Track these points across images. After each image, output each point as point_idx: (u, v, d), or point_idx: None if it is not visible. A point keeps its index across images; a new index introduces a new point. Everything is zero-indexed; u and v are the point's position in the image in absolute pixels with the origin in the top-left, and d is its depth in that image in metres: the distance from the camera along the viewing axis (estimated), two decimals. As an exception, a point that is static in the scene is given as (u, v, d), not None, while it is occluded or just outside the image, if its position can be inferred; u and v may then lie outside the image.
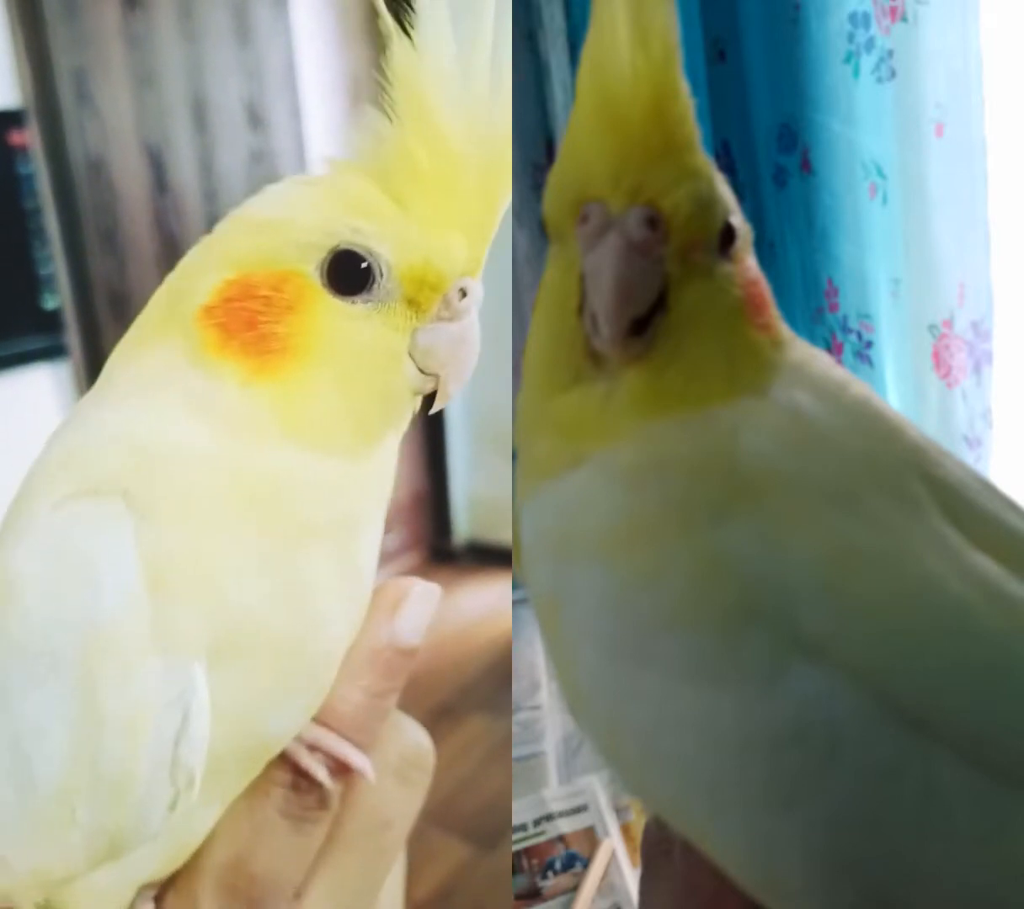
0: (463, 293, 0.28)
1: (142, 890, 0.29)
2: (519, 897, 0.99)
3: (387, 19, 0.26)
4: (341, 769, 0.29)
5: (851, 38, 0.84)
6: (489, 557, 2.21)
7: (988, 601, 0.24)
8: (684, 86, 0.26)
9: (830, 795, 0.24)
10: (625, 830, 1.03)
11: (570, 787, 1.05)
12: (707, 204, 0.26)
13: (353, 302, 0.27)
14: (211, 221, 0.29)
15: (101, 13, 1.69)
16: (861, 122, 0.85)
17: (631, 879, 1.00)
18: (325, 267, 0.27)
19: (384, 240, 0.27)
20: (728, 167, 0.95)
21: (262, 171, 1.85)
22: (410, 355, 0.28)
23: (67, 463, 0.27)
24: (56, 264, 1.69)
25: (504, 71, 0.27)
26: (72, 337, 1.73)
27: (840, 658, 0.24)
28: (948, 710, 0.24)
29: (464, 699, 1.72)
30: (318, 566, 0.27)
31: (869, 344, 0.91)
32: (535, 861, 1.01)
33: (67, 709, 0.25)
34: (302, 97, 1.92)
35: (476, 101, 0.27)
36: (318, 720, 0.29)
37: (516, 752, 1.04)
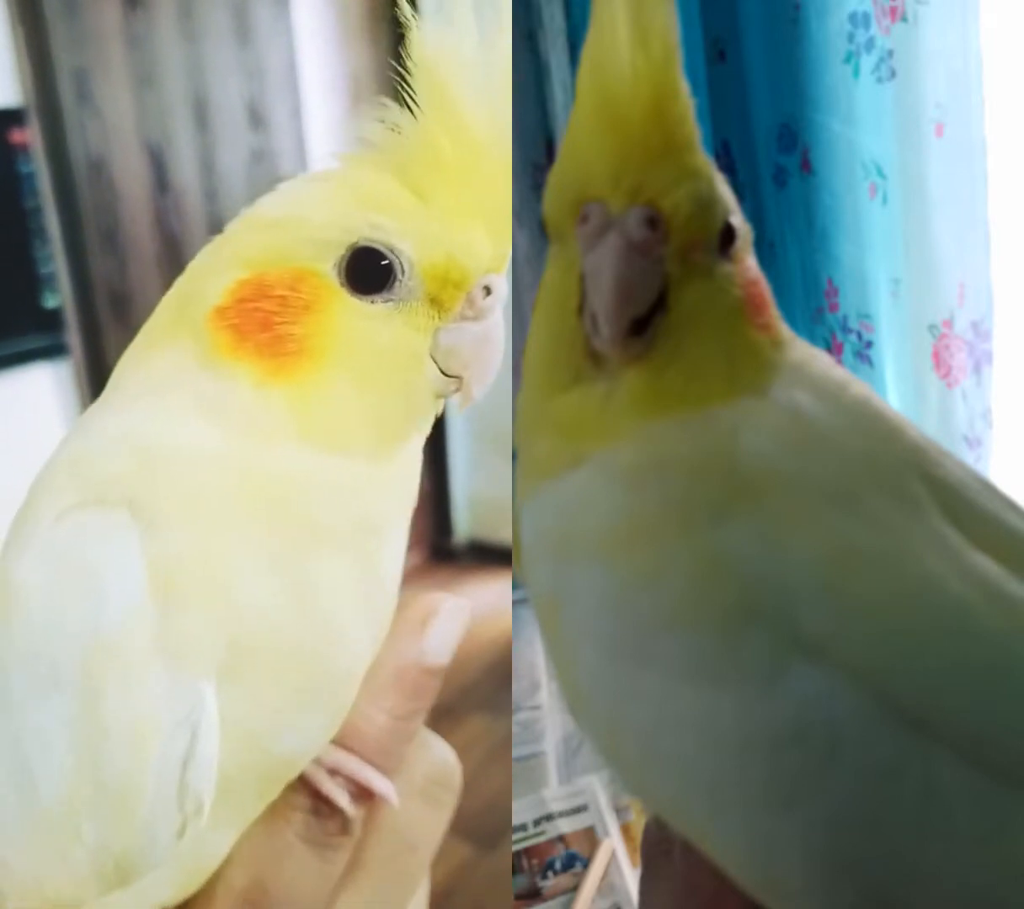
0: (488, 291, 0.27)
1: None
2: (519, 897, 0.99)
3: (405, 7, 0.25)
4: (364, 794, 0.27)
5: (851, 38, 0.84)
6: (489, 556, 2.21)
7: (988, 601, 0.24)
8: (684, 86, 0.26)
9: (830, 795, 0.24)
10: (625, 830, 1.03)
11: (570, 787, 1.05)
12: (707, 204, 0.26)
13: (373, 301, 0.26)
14: (212, 220, 0.28)
15: (102, 12, 1.68)
16: (861, 122, 0.85)
17: (631, 879, 1.00)
18: (343, 265, 0.26)
19: (405, 236, 0.26)
20: (728, 167, 0.95)
21: (263, 170, 1.85)
22: (432, 356, 0.27)
23: (72, 471, 0.26)
24: (57, 263, 1.69)
25: (504, 71, 0.27)
26: (72, 336, 1.73)
27: (840, 658, 0.24)
28: (948, 710, 0.24)
29: (464, 698, 1.72)
30: (337, 574, 0.26)
31: (869, 344, 0.91)
32: (535, 861, 1.01)
33: (71, 722, 0.24)
34: (303, 96, 1.92)
35: (497, 90, 0.26)
36: (340, 743, 0.27)
37: (516, 752, 1.04)
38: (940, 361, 0.87)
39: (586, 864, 1.01)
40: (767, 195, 0.95)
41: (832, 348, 0.93)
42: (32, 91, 1.61)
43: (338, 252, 0.26)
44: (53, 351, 1.70)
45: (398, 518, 0.28)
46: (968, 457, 0.88)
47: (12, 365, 1.63)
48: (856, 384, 0.29)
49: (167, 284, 0.28)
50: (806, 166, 0.90)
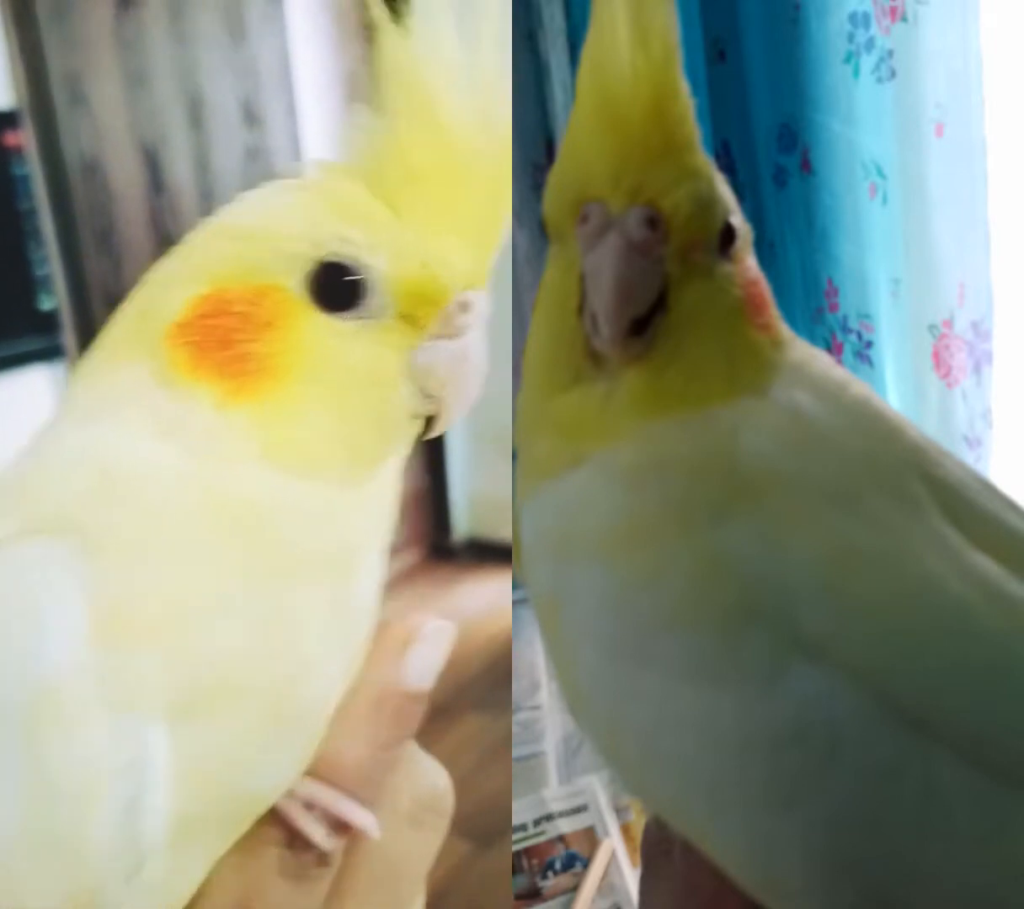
0: (465, 307, 0.25)
1: None
2: (519, 897, 0.99)
3: (376, 6, 0.24)
4: (343, 826, 0.26)
5: (851, 38, 0.84)
6: (488, 554, 2.21)
7: (988, 601, 0.24)
8: (684, 86, 0.26)
9: (830, 795, 0.24)
10: (625, 830, 1.03)
11: (570, 787, 1.05)
12: (707, 204, 0.26)
13: (342, 318, 0.25)
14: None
15: (94, 14, 1.68)
16: (861, 122, 0.85)
17: (631, 879, 1.00)
18: (310, 280, 0.25)
19: (376, 250, 0.25)
20: (728, 167, 0.95)
21: (258, 170, 1.85)
22: (407, 376, 0.25)
23: (18, 495, 0.24)
24: (52, 265, 1.69)
25: (504, 71, 0.26)
26: (68, 338, 1.72)
27: (840, 658, 0.24)
28: (948, 710, 0.24)
29: (463, 697, 1.72)
30: (307, 606, 0.24)
31: (869, 344, 0.91)
32: (535, 861, 1.01)
33: (12, 771, 0.22)
34: (297, 95, 1.92)
35: (482, 94, 0.25)
36: (317, 775, 0.26)
37: (516, 752, 1.04)
38: (940, 361, 0.87)
39: (586, 864, 1.01)
40: (767, 195, 0.95)
41: (832, 348, 0.93)
42: (25, 93, 1.61)
43: (305, 266, 0.25)
44: (49, 353, 1.69)
45: (373, 544, 0.26)
46: (968, 457, 0.88)
47: (8, 367, 1.63)
48: (856, 384, 0.29)
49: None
50: (806, 166, 0.90)
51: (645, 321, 0.26)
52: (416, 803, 0.28)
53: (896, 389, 0.91)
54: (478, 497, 2.29)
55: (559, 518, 0.27)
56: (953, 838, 0.23)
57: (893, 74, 0.83)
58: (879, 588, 0.24)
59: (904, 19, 0.81)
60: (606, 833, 1.02)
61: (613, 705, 0.26)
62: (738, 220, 0.28)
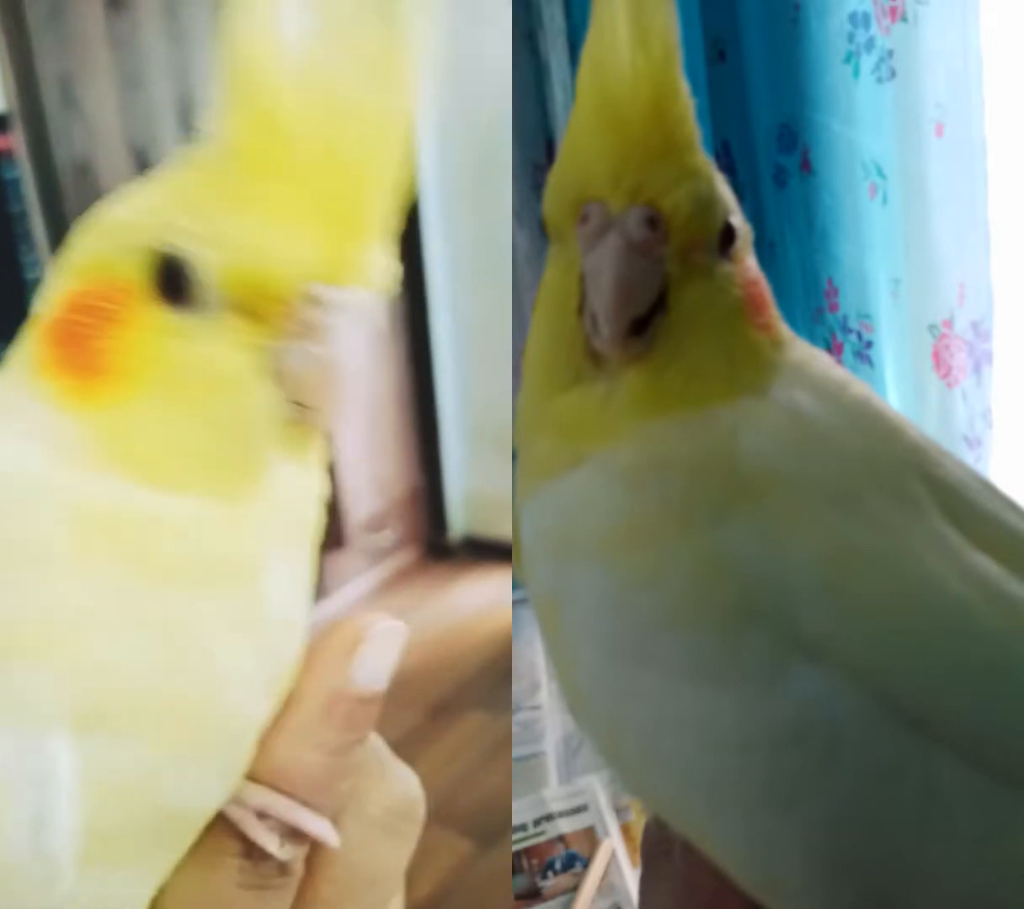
0: (315, 302, 0.23)
1: None
2: (519, 897, 0.99)
3: None
4: (299, 835, 0.25)
5: (851, 38, 0.84)
6: (485, 552, 2.21)
7: (988, 601, 0.24)
8: (684, 86, 0.26)
9: (830, 795, 0.24)
10: (625, 830, 1.03)
11: (570, 787, 1.05)
12: (707, 204, 0.26)
13: (181, 314, 0.23)
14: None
15: (84, 16, 1.68)
16: (861, 122, 0.85)
17: (631, 879, 1.00)
18: (152, 273, 0.23)
19: (203, 239, 0.23)
20: (728, 167, 0.95)
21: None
22: (267, 379, 0.24)
23: None
24: (43, 268, 1.69)
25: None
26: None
27: (840, 658, 0.24)
28: (948, 710, 0.24)
29: (462, 695, 1.72)
30: (202, 617, 0.23)
31: (869, 344, 0.91)
32: (535, 861, 1.01)
33: None
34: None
35: (338, 74, 0.23)
36: (270, 783, 0.25)
37: (516, 752, 1.04)
38: (940, 361, 0.87)
39: (586, 864, 1.01)
40: (767, 195, 0.95)
41: (832, 348, 0.93)
42: (15, 96, 1.60)
43: (147, 259, 0.23)
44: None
45: (285, 554, 0.25)
46: (968, 457, 0.88)
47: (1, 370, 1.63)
48: (856, 384, 0.29)
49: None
50: (806, 166, 0.90)
51: (645, 321, 0.26)
52: (386, 811, 0.27)
53: (896, 389, 0.91)
54: (474, 495, 2.29)
55: (559, 518, 0.27)
56: (953, 838, 0.23)
57: (893, 74, 0.83)
58: (879, 588, 0.24)
59: (904, 19, 0.81)
60: (606, 833, 1.02)
61: (613, 705, 0.26)
62: (738, 220, 0.28)
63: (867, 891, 0.24)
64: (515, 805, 1.02)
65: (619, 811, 1.04)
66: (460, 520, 2.33)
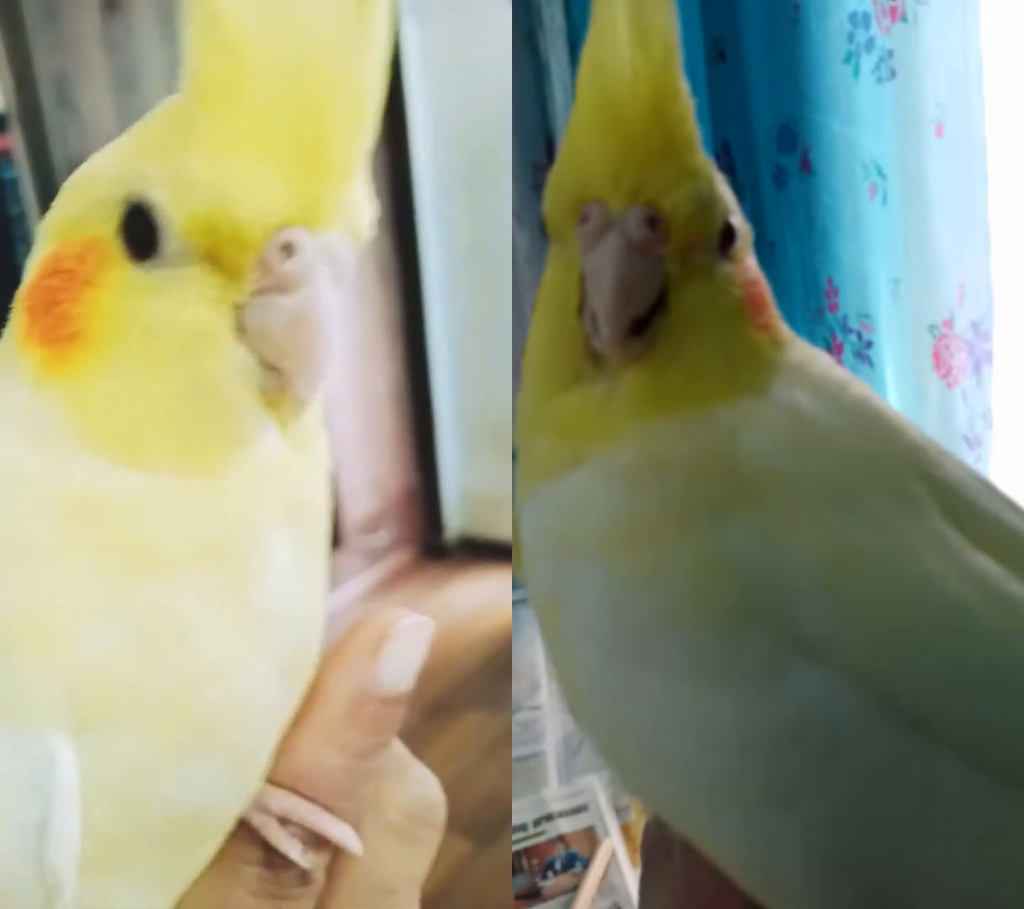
0: (288, 249, 0.21)
1: None
2: (519, 897, 0.99)
3: None
4: (321, 841, 0.24)
5: (851, 38, 0.84)
6: (482, 552, 2.20)
7: (988, 601, 0.24)
8: (684, 86, 0.26)
9: (830, 795, 0.24)
10: (625, 830, 1.03)
11: (570, 787, 1.05)
12: (707, 204, 0.26)
13: (146, 269, 0.21)
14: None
15: (81, 17, 1.68)
16: (861, 122, 0.85)
17: (631, 879, 1.00)
18: (120, 227, 0.22)
19: (163, 182, 0.21)
20: (728, 167, 0.95)
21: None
22: (238, 340, 0.22)
23: None
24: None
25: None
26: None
27: (840, 658, 0.24)
28: (948, 710, 0.24)
29: (460, 695, 1.72)
30: (188, 605, 0.22)
31: (869, 344, 0.91)
32: (535, 861, 1.01)
33: None
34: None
35: (306, 13, 0.21)
36: (292, 787, 0.24)
37: (516, 752, 1.04)
38: (940, 361, 0.87)
39: (586, 864, 1.01)
40: (767, 195, 0.95)
41: (832, 348, 0.93)
42: (12, 97, 1.61)
43: (115, 211, 0.22)
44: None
45: (270, 537, 0.23)
46: (968, 457, 0.88)
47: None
48: (856, 384, 0.29)
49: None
50: (806, 166, 0.90)
51: (645, 321, 0.26)
52: (405, 815, 0.26)
53: (896, 389, 0.91)
54: (471, 494, 2.29)
55: (559, 518, 0.27)
56: (953, 838, 0.23)
57: (893, 74, 0.83)
58: (879, 588, 0.24)
59: (904, 19, 0.81)
60: (606, 833, 1.02)
61: (613, 705, 0.26)
62: (738, 220, 0.28)
63: (867, 891, 0.24)
64: (515, 805, 1.02)
65: (619, 811, 1.04)
66: (456, 520, 2.33)
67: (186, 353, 0.22)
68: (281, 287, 0.21)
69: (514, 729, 1.04)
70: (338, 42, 0.21)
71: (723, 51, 0.95)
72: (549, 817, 1.03)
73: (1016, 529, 0.27)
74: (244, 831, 0.23)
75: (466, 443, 2.23)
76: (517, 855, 1.00)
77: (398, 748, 0.26)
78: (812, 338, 0.94)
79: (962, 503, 0.26)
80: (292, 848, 0.24)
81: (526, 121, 0.94)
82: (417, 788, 0.26)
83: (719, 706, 0.24)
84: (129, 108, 1.75)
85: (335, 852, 0.25)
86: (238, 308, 0.22)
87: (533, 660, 1.05)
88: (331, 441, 0.25)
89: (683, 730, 0.25)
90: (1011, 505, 0.27)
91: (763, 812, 0.24)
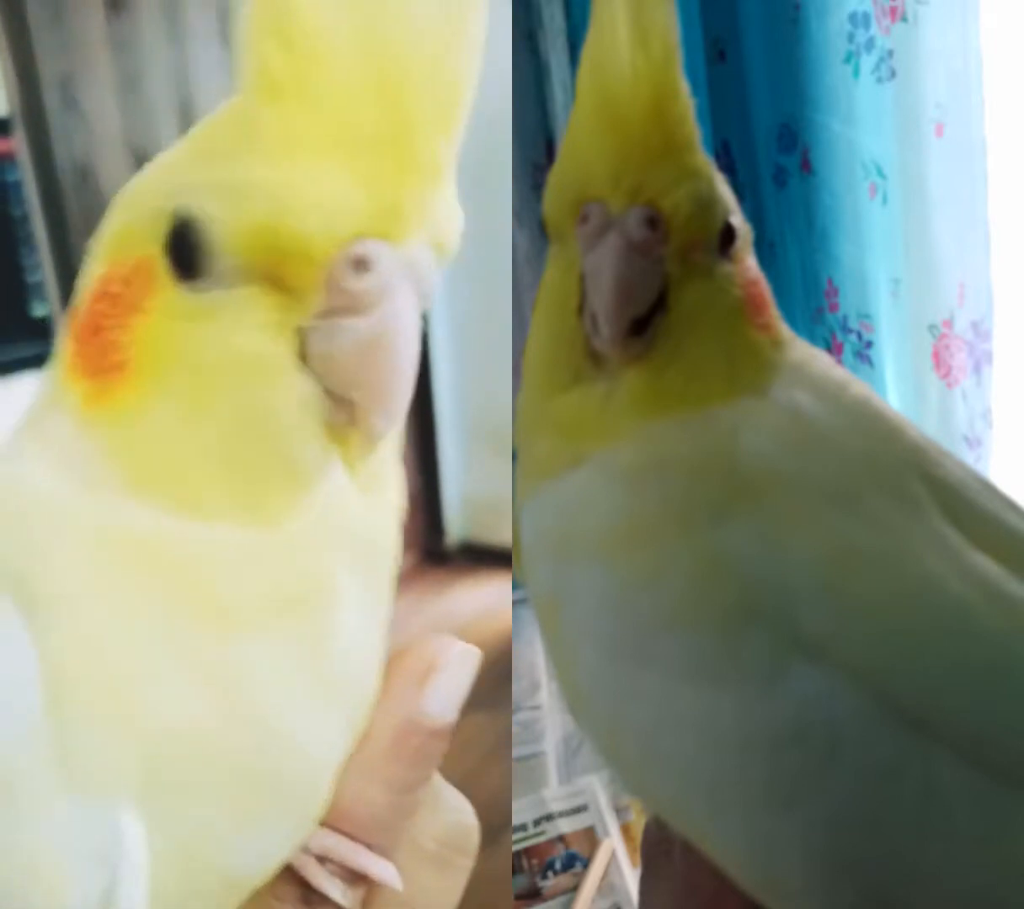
0: (362, 264, 0.18)
1: None
2: (519, 897, 0.99)
3: None
4: (361, 877, 0.23)
5: (851, 38, 0.84)
6: (483, 557, 2.20)
7: (988, 601, 0.24)
8: (684, 86, 0.26)
9: (830, 795, 0.24)
10: (625, 830, 1.03)
11: (570, 787, 1.05)
12: (707, 204, 0.26)
13: (196, 290, 0.19)
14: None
15: (85, 18, 1.68)
16: (861, 122, 0.85)
17: (631, 879, 1.00)
18: (168, 244, 0.19)
19: (215, 192, 0.18)
20: (728, 167, 0.95)
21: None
22: (301, 368, 0.19)
23: None
24: (44, 271, 1.69)
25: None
26: (61, 344, 1.72)
27: (840, 658, 0.24)
28: (948, 710, 0.24)
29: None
30: (263, 661, 0.20)
31: (869, 344, 0.91)
32: (535, 861, 1.01)
33: None
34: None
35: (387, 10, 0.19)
36: (331, 824, 0.22)
37: (516, 752, 1.04)
38: (940, 361, 0.87)
39: (586, 864, 1.01)
40: (767, 195, 0.95)
41: (832, 348, 0.93)
42: (17, 99, 1.61)
43: (165, 227, 0.19)
44: (41, 360, 1.69)
45: (348, 582, 0.21)
46: (968, 457, 0.88)
47: (1, 373, 1.63)
48: (856, 384, 0.29)
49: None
50: (806, 166, 0.90)
51: (645, 321, 0.26)
52: (440, 844, 0.25)
53: (896, 389, 0.91)
54: (472, 499, 2.29)
55: (559, 518, 0.27)
56: (953, 838, 0.23)
57: (893, 74, 0.83)
58: (879, 588, 0.24)
59: (904, 19, 0.81)
60: (606, 833, 1.02)
61: (613, 705, 0.26)
62: (738, 220, 0.28)
63: (867, 891, 0.24)
64: (515, 805, 1.02)
65: (619, 811, 1.04)
66: (458, 525, 2.32)
67: (239, 386, 0.19)
68: (354, 308, 0.19)
69: (514, 729, 1.04)
70: (425, 30, 0.19)
71: (723, 51, 0.95)
72: (549, 817, 1.03)
73: (1016, 529, 0.27)
74: (282, 869, 0.22)
75: (468, 448, 2.23)
76: (517, 855, 1.00)
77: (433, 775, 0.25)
78: (812, 338, 0.93)
79: (962, 503, 0.26)
80: (333, 888, 0.23)
81: (526, 121, 0.94)
82: (452, 816, 0.25)
83: (719, 706, 0.24)
84: (134, 110, 1.75)
85: (371, 884, 0.24)
86: (301, 333, 0.19)
87: (533, 660, 1.05)
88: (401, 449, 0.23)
89: (683, 730, 0.25)
90: (1011, 505, 0.27)
91: (763, 812, 0.24)
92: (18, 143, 1.62)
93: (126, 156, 1.78)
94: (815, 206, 0.90)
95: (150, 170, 0.21)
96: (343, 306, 0.19)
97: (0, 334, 1.64)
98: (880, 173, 0.86)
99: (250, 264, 0.19)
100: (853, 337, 0.91)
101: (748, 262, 0.28)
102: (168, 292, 0.19)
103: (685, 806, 0.26)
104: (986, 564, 0.25)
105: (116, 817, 0.19)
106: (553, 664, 0.28)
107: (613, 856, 1.01)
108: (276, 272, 0.19)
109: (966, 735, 0.23)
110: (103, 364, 0.20)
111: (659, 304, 0.26)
